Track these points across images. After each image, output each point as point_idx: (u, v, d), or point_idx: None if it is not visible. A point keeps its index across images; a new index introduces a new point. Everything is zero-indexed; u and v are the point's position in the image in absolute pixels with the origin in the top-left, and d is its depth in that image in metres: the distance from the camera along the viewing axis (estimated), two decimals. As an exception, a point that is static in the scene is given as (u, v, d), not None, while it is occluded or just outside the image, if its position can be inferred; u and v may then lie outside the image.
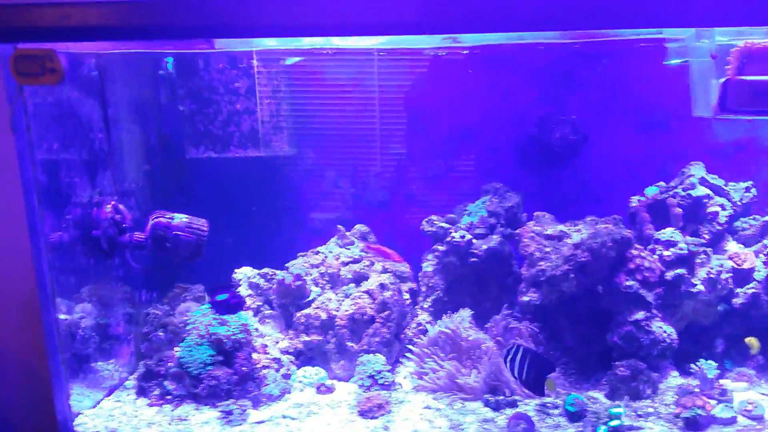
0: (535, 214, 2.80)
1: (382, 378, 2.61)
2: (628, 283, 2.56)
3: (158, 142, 3.08)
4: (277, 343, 2.87)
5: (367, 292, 2.84)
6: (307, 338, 2.82)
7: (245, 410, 2.41)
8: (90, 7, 1.98)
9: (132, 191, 2.86)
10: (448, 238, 2.85)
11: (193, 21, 1.91)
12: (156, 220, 2.56)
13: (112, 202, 2.59)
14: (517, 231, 2.77)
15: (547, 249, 2.61)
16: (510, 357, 2.21)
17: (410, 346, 2.71)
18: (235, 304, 2.56)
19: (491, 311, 2.86)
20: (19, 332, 3.22)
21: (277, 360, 2.74)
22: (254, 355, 2.64)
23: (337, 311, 2.81)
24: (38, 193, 2.24)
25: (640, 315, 2.55)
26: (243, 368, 2.54)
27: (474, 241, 2.80)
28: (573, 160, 3.05)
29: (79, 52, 2.44)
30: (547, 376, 2.19)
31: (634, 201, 2.80)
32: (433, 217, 2.99)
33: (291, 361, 2.81)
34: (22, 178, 2.23)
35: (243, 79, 3.00)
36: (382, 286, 2.86)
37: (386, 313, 2.78)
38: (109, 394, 2.66)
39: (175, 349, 2.61)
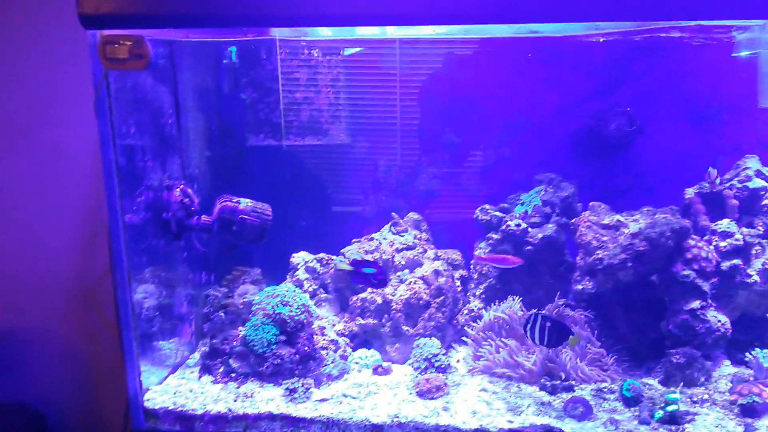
0: (591, 204, 2.82)
1: (437, 361, 2.65)
2: (684, 273, 2.56)
3: (220, 129, 3.15)
4: (334, 325, 2.93)
5: (422, 278, 2.89)
6: (362, 321, 2.87)
7: (308, 388, 2.47)
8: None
9: (196, 176, 2.94)
10: (503, 227, 2.88)
11: (279, 8, 1.96)
12: (223, 204, 2.63)
13: (181, 186, 2.67)
14: (572, 221, 2.79)
15: (604, 238, 2.63)
16: (530, 326, 2.29)
17: (467, 329, 2.75)
18: (380, 281, 2.58)
19: (543, 299, 2.89)
20: (95, 311, 3.35)
21: (334, 342, 2.80)
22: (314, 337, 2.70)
23: (393, 296, 2.86)
24: (119, 175, 2.33)
25: (695, 304, 2.56)
26: (305, 348, 2.60)
27: (529, 229, 2.83)
28: (627, 152, 3.06)
29: (154, 38, 2.51)
30: (566, 340, 2.27)
31: (689, 192, 2.80)
32: (486, 206, 3.03)
33: (347, 343, 2.87)
34: (104, 160, 2.32)
35: (303, 69, 3.06)
36: (437, 273, 2.90)
37: (441, 298, 2.83)
38: (173, 372, 2.74)
39: (240, 328, 2.68)
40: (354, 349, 2.85)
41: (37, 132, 3.21)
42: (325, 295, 3.06)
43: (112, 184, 2.32)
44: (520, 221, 2.83)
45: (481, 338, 2.68)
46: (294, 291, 2.70)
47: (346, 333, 2.89)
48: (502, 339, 2.62)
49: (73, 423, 3.35)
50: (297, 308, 2.62)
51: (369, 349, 2.85)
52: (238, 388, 2.53)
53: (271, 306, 2.60)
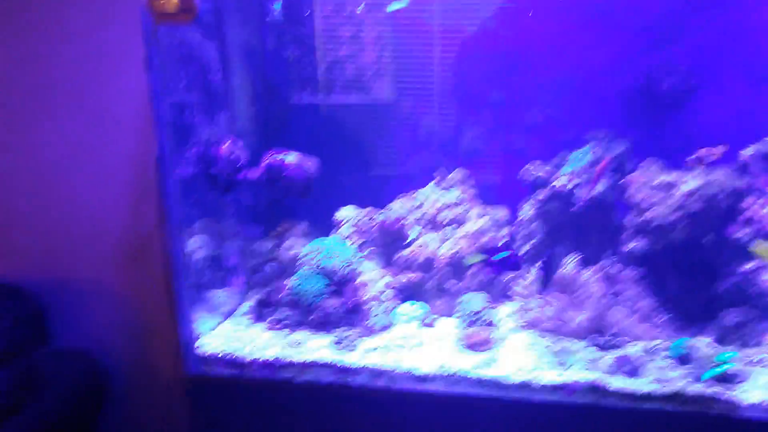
0: (642, 163, 2.73)
1: (483, 315, 2.64)
2: (739, 234, 2.47)
3: (265, 86, 3.14)
4: (380, 279, 2.93)
5: (467, 234, 2.86)
6: (408, 275, 2.87)
7: (356, 338, 2.50)
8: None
9: (242, 132, 2.94)
10: (551, 185, 2.81)
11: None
12: (270, 158, 2.63)
13: (228, 141, 2.68)
14: (623, 179, 2.71)
15: (657, 197, 2.54)
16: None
17: (515, 287, 2.72)
18: (514, 263, 2.58)
19: (591, 259, 2.83)
20: (146, 264, 3.43)
21: (380, 294, 2.81)
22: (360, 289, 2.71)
23: (438, 251, 2.84)
24: (170, 131, 2.34)
25: (749, 266, 2.47)
26: (352, 299, 2.61)
27: (577, 189, 2.76)
28: (681, 110, 2.93)
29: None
30: None
31: (746, 153, 2.68)
32: (534, 164, 2.96)
33: (393, 296, 2.87)
34: (154, 114, 2.33)
35: (346, 26, 3.01)
36: (482, 230, 2.87)
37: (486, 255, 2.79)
38: (224, 319, 2.79)
39: (291, 278, 2.71)
40: (400, 302, 2.85)
41: (85, 90, 3.25)
42: (370, 248, 3.06)
43: (163, 139, 2.34)
44: (568, 180, 2.75)
45: (529, 293, 2.65)
46: (341, 243, 2.71)
47: (392, 287, 2.89)
48: (553, 294, 2.58)
49: (129, 369, 3.46)
50: (344, 260, 2.63)
51: (415, 302, 2.85)
52: (288, 336, 2.56)
53: (319, 258, 2.61)
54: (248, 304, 2.91)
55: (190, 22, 2.18)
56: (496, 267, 2.59)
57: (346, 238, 3.02)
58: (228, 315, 2.85)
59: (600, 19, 2.97)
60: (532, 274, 2.76)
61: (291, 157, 2.68)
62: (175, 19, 2.17)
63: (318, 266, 2.62)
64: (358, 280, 2.78)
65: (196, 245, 2.87)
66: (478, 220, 2.94)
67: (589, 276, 2.58)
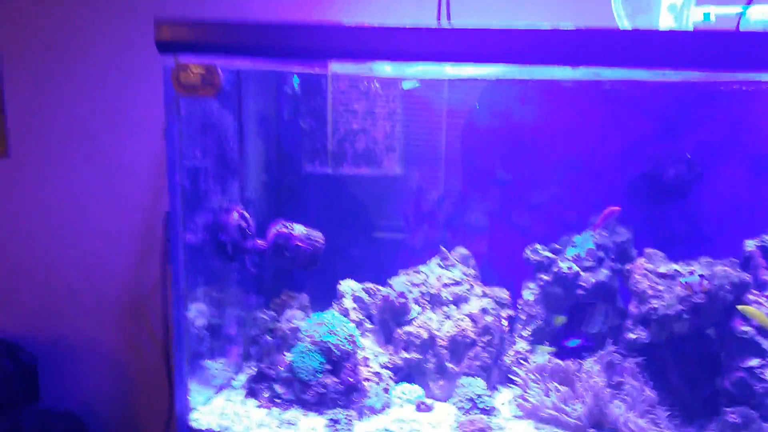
0: (646, 251, 2.74)
1: (482, 402, 2.60)
2: (743, 329, 2.46)
3: (277, 156, 3.21)
4: (377, 357, 2.90)
5: (469, 315, 2.85)
6: (407, 355, 2.84)
7: (351, 420, 2.44)
8: (251, 28, 2.10)
9: (252, 200, 2.98)
10: (555, 269, 2.82)
11: (351, 42, 2.00)
12: (279, 229, 2.66)
13: (239, 209, 2.71)
14: (627, 267, 2.72)
15: (661, 287, 2.55)
16: None
17: (516, 369, 2.68)
18: (584, 348, 2.60)
19: (593, 346, 2.80)
20: (142, 324, 3.40)
21: (378, 374, 2.77)
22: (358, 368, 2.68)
23: (439, 331, 2.82)
24: (183, 197, 2.37)
25: (754, 362, 2.45)
26: (349, 379, 2.58)
27: (581, 273, 2.77)
28: (685, 199, 2.98)
29: (223, 67, 2.58)
30: None
31: (750, 245, 2.70)
32: (537, 246, 2.97)
33: (390, 377, 2.83)
34: (169, 182, 2.37)
35: (360, 102, 3.10)
36: (484, 311, 2.86)
37: (488, 338, 2.78)
38: (218, 392, 2.75)
39: (287, 354, 2.68)
40: (397, 383, 2.81)
41: (100, 146, 3.32)
42: (370, 325, 3.03)
43: (176, 205, 2.37)
44: (572, 264, 2.77)
45: (530, 380, 2.61)
46: (341, 320, 2.69)
47: (390, 366, 2.86)
48: (554, 384, 2.54)
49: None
50: (344, 338, 2.61)
51: (412, 384, 2.81)
52: (282, 414, 2.51)
53: (319, 334, 2.60)
54: (243, 377, 2.87)
55: (213, 96, 2.24)
56: (570, 353, 2.61)
57: (347, 312, 3.01)
58: (224, 387, 2.80)
59: (609, 104, 3.06)
60: (538, 360, 2.72)
61: (299, 229, 2.71)
62: (198, 93, 2.23)
63: (317, 342, 2.59)
64: (360, 356, 2.75)
65: (198, 312, 2.85)
66: (480, 300, 2.93)
67: (590, 365, 2.55)
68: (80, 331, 3.68)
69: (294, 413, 2.51)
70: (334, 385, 2.54)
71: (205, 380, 2.74)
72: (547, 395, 2.52)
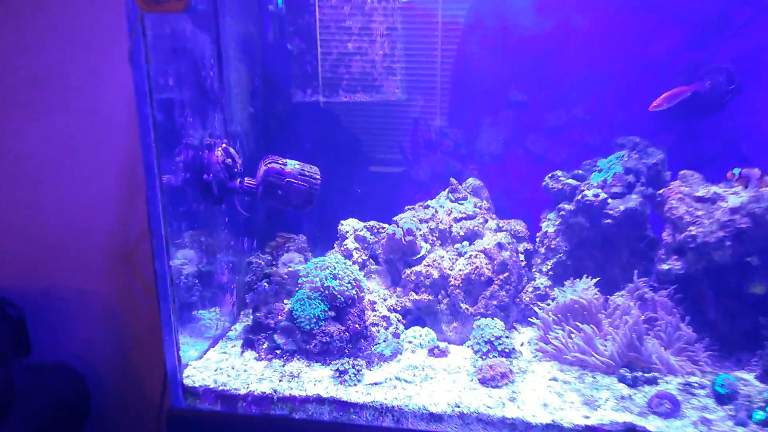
0: (681, 173, 2.48)
1: (501, 344, 2.41)
2: (791, 255, 2.23)
3: (264, 83, 2.90)
4: (385, 300, 2.70)
5: (483, 251, 2.62)
6: (416, 297, 2.64)
7: (359, 370, 2.26)
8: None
9: (239, 134, 2.70)
10: (579, 197, 2.57)
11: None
12: (269, 165, 2.40)
13: (223, 145, 2.44)
14: (661, 191, 2.46)
15: (699, 212, 2.30)
16: None
17: (535, 309, 2.48)
18: None
19: (619, 279, 2.60)
20: (133, 271, 3.19)
21: (386, 318, 2.58)
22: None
23: (451, 270, 2.61)
24: (155, 131, 2.10)
25: (801, 291, 2.23)
26: (355, 325, 2.38)
27: (609, 200, 2.51)
28: (720, 113, 2.68)
29: (194, -20, 2.24)
30: None
31: (797, 162, 2.42)
32: (558, 173, 2.72)
33: (399, 320, 2.64)
34: (139, 114, 2.09)
35: (355, 17, 2.76)
36: (500, 246, 2.63)
37: (505, 275, 2.56)
38: (213, 345, 2.56)
39: (286, 301, 2.47)
40: (407, 327, 2.62)
41: (72, 86, 3.01)
42: (376, 266, 2.82)
43: (149, 141, 2.10)
44: (599, 191, 2.51)
45: (551, 321, 2.41)
46: (344, 263, 2.47)
47: (399, 309, 2.67)
48: (577, 323, 2.34)
49: (112, 385, 3.25)
50: (347, 282, 2.39)
51: (423, 327, 2.62)
52: (284, 366, 2.33)
53: (320, 279, 2.38)
54: (240, 327, 2.68)
55: (181, 11, 1.93)
56: None
57: (349, 254, 2.79)
58: (219, 338, 2.62)
59: (635, 10, 2.71)
60: (560, 299, 2.52)
61: (292, 165, 2.44)
62: (164, 7, 1.92)
63: (318, 288, 2.38)
64: (366, 300, 2.55)
65: (186, 259, 2.64)
66: (495, 234, 2.69)
67: (621, 301, 2.34)
68: (70, 281, 3.50)
69: (297, 365, 2.33)
70: (339, 333, 2.34)
71: (198, 332, 2.55)
72: (570, 336, 2.32)
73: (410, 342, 2.54)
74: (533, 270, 2.75)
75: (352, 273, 2.44)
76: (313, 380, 2.25)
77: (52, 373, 3.32)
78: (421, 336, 2.56)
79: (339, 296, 2.38)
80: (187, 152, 2.36)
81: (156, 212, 2.18)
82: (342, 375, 2.24)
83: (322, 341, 2.33)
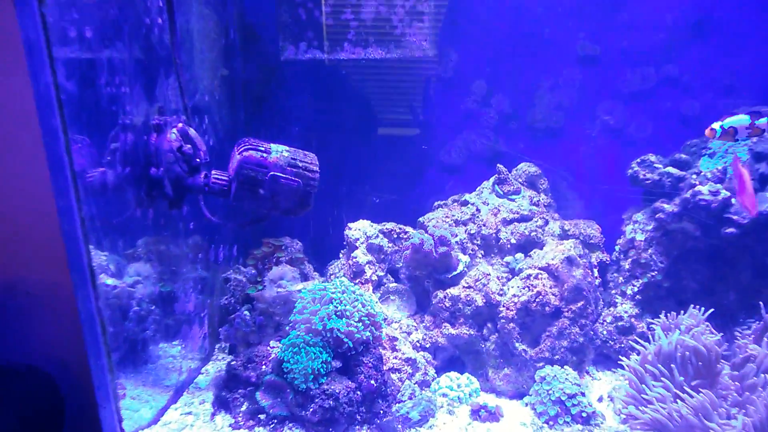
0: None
1: (576, 406, 1.77)
2: None
3: (241, 36, 2.19)
4: (409, 334, 2.06)
5: (546, 268, 1.96)
6: (452, 331, 2.00)
7: (378, 449, 1.63)
8: None
9: (203, 108, 2.02)
10: (687, 194, 1.89)
11: None
12: (245, 153, 1.73)
13: (179, 125, 1.75)
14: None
15: None
16: None
17: (623, 359, 1.82)
18: None
19: (734, 307, 1.93)
20: (46, 322, 2.54)
21: (410, 361, 1.95)
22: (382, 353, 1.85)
23: (501, 296, 1.95)
24: (61, 107, 1.40)
25: None
26: (370, 381, 1.74)
27: (733, 200, 1.83)
28: None
29: None
30: None
31: None
32: (652, 158, 2.03)
33: (428, 362, 2.01)
34: (34, 84, 1.40)
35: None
36: (570, 261, 1.97)
37: (579, 304, 1.92)
38: (175, 399, 1.95)
39: (273, 344, 1.84)
40: (439, 372, 2.00)
41: None
42: (395, 284, 2.18)
43: (53, 125, 1.41)
44: (719, 186, 1.82)
45: (645, 373, 1.75)
46: (352, 292, 1.82)
47: (428, 346, 2.03)
48: (683, 384, 1.69)
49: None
50: (358, 321, 1.75)
51: (462, 372, 2.00)
52: (270, 439, 1.70)
53: (320, 318, 1.73)
54: (214, 368, 2.06)
55: None
56: None
57: (359, 270, 2.13)
58: (182, 389, 2.02)
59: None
60: (662, 341, 1.86)
61: (278, 152, 1.77)
62: None
63: (316, 331, 1.73)
64: (380, 347, 1.91)
65: (139, 276, 2.02)
66: (561, 243, 2.03)
67: (758, 350, 1.68)
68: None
69: (289, 439, 1.70)
70: (348, 392, 1.71)
71: (155, 379, 1.94)
72: (676, 400, 1.67)
73: (445, 395, 1.92)
74: (612, 291, 2.09)
75: (365, 307, 1.80)
76: (312, 467, 1.62)
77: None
78: (460, 387, 1.95)
79: (347, 341, 1.73)
80: (125, 137, 1.68)
81: (72, 231, 1.51)
82: (354, 461, 1.62)
83: (323, 406, 1.70)
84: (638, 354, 1.86)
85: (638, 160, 2.07)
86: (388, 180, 2.41)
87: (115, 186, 1.74)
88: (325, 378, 1.75)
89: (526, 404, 1.91)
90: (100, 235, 1.97)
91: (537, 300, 1.93)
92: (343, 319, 1.77)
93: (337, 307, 1.78)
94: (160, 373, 2.04)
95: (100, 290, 1.69)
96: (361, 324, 1.78)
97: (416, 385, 1.95)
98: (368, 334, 1.80)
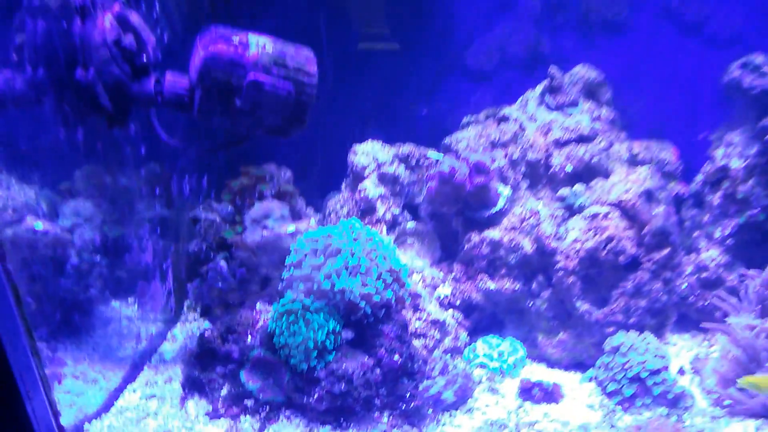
0: None
1: (660, 385, 1.42)
2: None
3: None
4: (434, 287, 1.66)
5: (617, 205, 1.56)
6: (491, 285, 1.62)
7: (406, 447, 1.27)
8: None
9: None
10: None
11: None
12: (213, 48, 1.24)
13: (115, 8, 1.26)
14: None
15: None
16: None
17: (730, 320, 1.43)
18: None
19: None
20: None
21: (438, 324, 1.56)
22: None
23: (559, 240, 1.55)
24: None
25: None
26: (394, 356, 1.35)
27: None
28: None
29: None
30: None
31: None
32: (757, 59, 1.63)
33: (458, 322, 1.62)
34: None
35: None
36: (649, 196, 1.57)
37: (665, 252, 1.54)
38: (132, 377, 1.57)
39: (259, 306, 1.43)
40: (472, 336, 1.71)
41: None
42: (413, 224, 1.77)
43: None
44: None
45: (760, 344, 1.38)
46: (372, 241, 1.39)
47: (458, 303, 1.64)
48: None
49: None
50: (378, 278, 1.33)
51: (502, 337, 1.63)
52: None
53: (326, 275, 1.31)
54: (182, 334, 1.66)
55: None
56: None
57: (371, 204, 1.70)
58: (141, 362, 1.62)
59: None
60: (752, 288, 1.49)
61: (258, 45, 1.29)
62: None
63: (321, 292, 1.31)
64: (405, 311, 1.51)
65: (78, 217, 1.66)
66: (633, 170, 1.62)
67: None
68: None
69: (284, 430, 1.31)
70: (364, 371, 1.32)
71: (105, 350, 1.54)
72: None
73: (483, 366, 1.55)
74: (692, 233, 1.69)
75: (386, 260, 1.37)
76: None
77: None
78: (502, 356, 1.57)
79: (363, 305, 1.31)
80: (34, 26, 1.18)
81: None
82: (374, 465, 1.25)
83: (332, 391, 1.31)
84: (737, 312, 1.48)
85: (739, 62, 1.64)
86: (409, 88, 1.94)
87: (24, 96, 1.25)
88: (333, 354, 1.35)
89: (590, 379, 1.55)
90: (18, 164, 1.53)
91: (608, 247, 1.54)
92: (358, 276, 1.34)
93: (348, 261, 1.34)
94: (111, 342, 1.63)
95: (18, 241, 1.27)
96: (381, 283, 1.36)
97: (448, 356, 1.56)
98: (390, 295, 1.38)
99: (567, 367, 1.67)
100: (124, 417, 1.50)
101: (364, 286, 1.40)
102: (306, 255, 1.41)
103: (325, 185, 1.92)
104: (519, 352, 1.67)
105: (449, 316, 1.69)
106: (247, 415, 1.46)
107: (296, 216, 1.88)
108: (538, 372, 1.63)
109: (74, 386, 1.52)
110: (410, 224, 1.84)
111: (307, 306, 1.39)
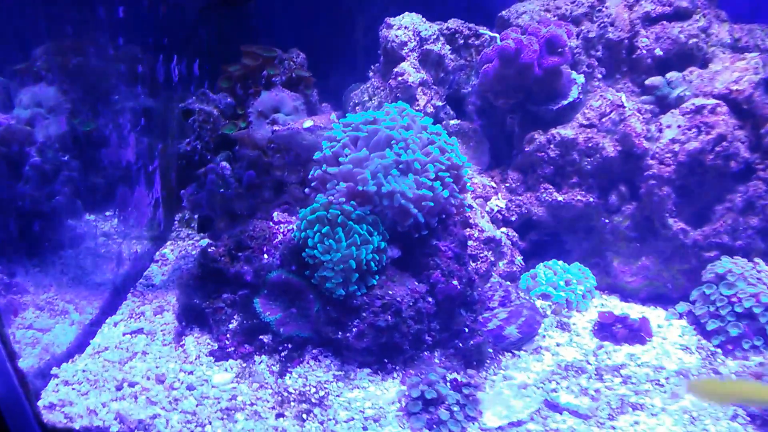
0: None
1: (776, 318, 1.19)
2: None
3: None
4: (486, 199, 1.39)
5: (726, 97, 1.30)
6: (558, 196, 1.36)
7: (467, 401, 1.02)
8: None
9: None
10: None
11: None
12: None
13: None
14: None
15: None
16: None
17: None
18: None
19: None
20: None
21: (491, 242, 1.31)
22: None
23: (650, 140, 1.28)
24: None
25: None
26: (452, 281, 1.09)
27: None
28: None
29: None
30: None
31: None
32: None
33: (514, 242, 1.37)
34: None
35: None
36: (765, 86, 1.28)
37: (786, 156, 1.26)
38: (113, 307, 1.29)
39: (277, 216, 1.15)
40: (529, 259, 1.50)
41: None
42: (456, 121, 1.48)
43: None
44: None
45: None
46: (428, 130, 1.09)
47: (512, 217, 1.38)
48: None
49: None
50: (432, 178, 1.06)
51: (566, 261, 1.50)
52: (282, 378, 1.05)
53: (373, 173, 1.02)
54: (173, 253, 1.42)
55: None
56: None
57: (411, 93, 1.40)
58: (125, 287, 1.33)
59: None
60: None
61: None
62: None
63: (362, 195, 1.04)
64: (461, 224, 1.26)
65: (34, 107, 1.41)
66: (739, 58, 1.34)
67: None
68: None
69: (315, 376, 1.08)
70: (415, 299, 1.06)
71: (77, 274, 1.28)
72: None
73: (546, 296, 1.33)
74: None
75: (445, 153, 1.10)
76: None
77: None
78: (570, 284, 1.32)
79: (415, 212, 1.03)
80: None
81: None
82: (428, 410, 0.99)
83: (376, 324, 1.04)
84: None
85: None
86: None
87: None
88: (377, 277, 1.07)
89: (681, 315, 1.31)
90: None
91: (717, 150, 1.25)
92: (410, 176, 1.05)
93: (398, 156, 1.04)
94: (85, 264, 1.32)
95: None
96: (439, 183, 1.07)
97: (507, 282, 1.31)
98: (449, 196, 1.09)
99: (645, 301, 1.43)
100: (102, 359, 1.23)
101: (419, 188, 1.10)
102: (345, 146, 1.10)
103: (350, 70, 1.60)
104: (589, 279, 1.42)
105: (502, 235, 1.43)
106: (263, 355, 1.20)
107: (312, 110, 1.57)
108: (609, 305, 1.39)
109: (39, 320, 1.23)
110: (453, 122, 1.54)
111: (347, 212, 1.10)
